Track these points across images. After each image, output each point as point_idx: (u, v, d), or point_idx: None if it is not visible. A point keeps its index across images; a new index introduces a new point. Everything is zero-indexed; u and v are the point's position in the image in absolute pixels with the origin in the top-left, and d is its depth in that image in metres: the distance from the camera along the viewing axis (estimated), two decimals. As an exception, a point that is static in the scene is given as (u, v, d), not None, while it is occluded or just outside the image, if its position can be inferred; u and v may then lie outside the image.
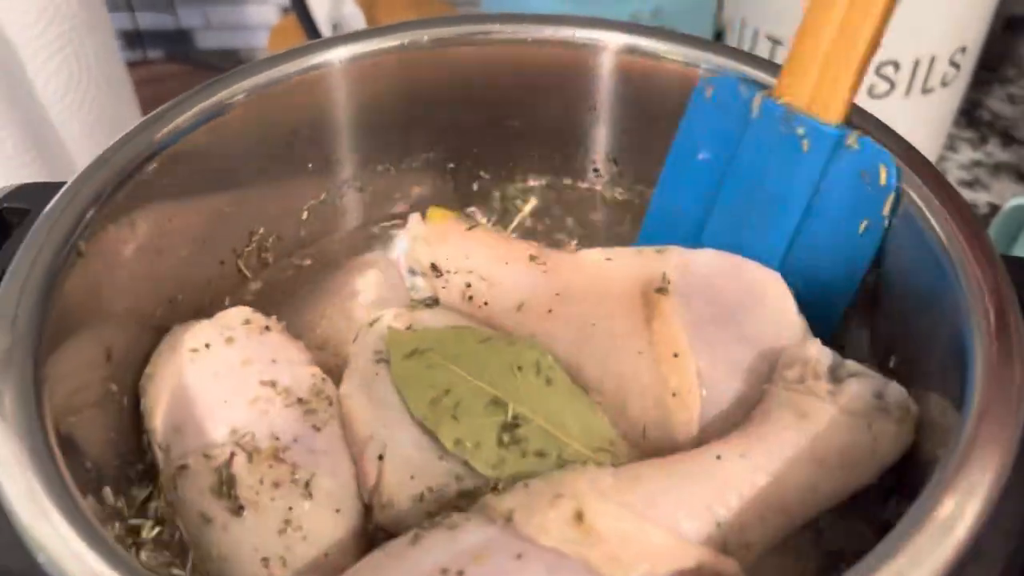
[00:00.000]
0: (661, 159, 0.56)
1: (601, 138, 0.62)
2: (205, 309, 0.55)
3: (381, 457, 0.45)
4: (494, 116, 0.62)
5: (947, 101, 0.91)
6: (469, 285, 0.52)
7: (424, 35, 0.58)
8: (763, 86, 0.49)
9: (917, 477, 0.41)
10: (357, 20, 1.08)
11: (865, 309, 0.51)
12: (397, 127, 0.61)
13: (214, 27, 1.28)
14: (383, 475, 0.45)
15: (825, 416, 0.43)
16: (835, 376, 0.44)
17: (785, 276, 0.48)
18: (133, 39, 1.26)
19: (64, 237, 0.45)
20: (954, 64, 0.86)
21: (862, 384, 0.44)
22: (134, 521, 0.46)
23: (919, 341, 0.46)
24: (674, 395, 0.45)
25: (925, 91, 0.87)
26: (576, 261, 0.52)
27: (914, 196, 0.46)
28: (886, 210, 0.47)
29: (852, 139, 0.47)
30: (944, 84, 0.87)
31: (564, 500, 0.40)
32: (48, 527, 0.36)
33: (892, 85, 0.86)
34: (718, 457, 0.42)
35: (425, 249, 0.54)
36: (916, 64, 0.84)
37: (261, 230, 0.59)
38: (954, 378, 0.40)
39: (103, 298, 0.48)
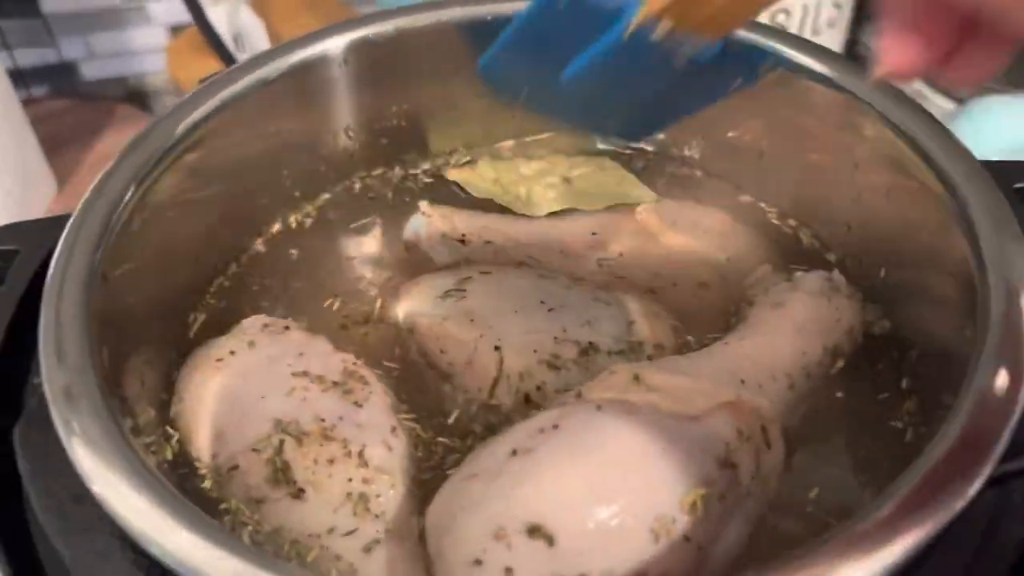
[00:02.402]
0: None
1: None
2: (221, 325, 0.57)
3: (498, 348, 0.51)
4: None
5: (834, 41, 0.99)
6: (489, 242, 0.61)
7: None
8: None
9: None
10: (256, 29, 1.08)
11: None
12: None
13: (98, 56, 1.25)
14: (506, 359, 0.51)
15: (793, 299, 0.55)
16: (788, 279, 0.57)
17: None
18: (15, 77, 1.21)
19: (88, 267, 0.46)
20: (837, 5, 0.94)
21: (811, 274, 0.57)
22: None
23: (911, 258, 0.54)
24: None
25: (815, 33, 0.95)
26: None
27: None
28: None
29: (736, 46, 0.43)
30: (830, 26, 0.95)
31: (620, 372, 0.49)
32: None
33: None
34: (725, 344, 0.53)
35: (444, 222, 0.61)
36: (805, 9, 0.92)
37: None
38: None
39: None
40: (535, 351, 0.52)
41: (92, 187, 0.49)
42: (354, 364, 0.52)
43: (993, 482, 0.37)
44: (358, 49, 0.61)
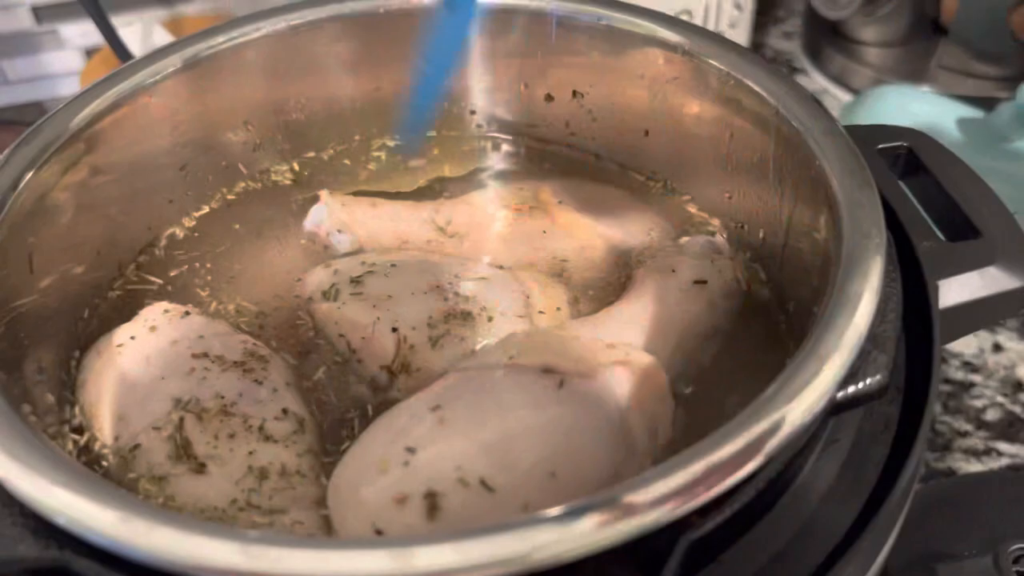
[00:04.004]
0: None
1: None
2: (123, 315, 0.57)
3: (395, 329, 0.53)
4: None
5: (738, 41, 1.03)
6: (387, 229, 0.63)
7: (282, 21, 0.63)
8: None
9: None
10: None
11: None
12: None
13: (11, 82, 1.24)
14: (404, 338, 0.53)
15: (679, 262, 0.58)
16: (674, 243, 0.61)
17: None
18: (-74, 106, 1.20)
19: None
20: (737, 6, 0.98)
21: (695, 238, 0.61)
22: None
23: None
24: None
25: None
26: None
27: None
28: None
29: None
30: (732, 26, 0.99)
31: (517, 336, 0.52)
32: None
33: (689, 32, 0.98)
34: (617, 308, 0.55)
35: (344, 210, 0.62)
36: (707, 10, 0.95)
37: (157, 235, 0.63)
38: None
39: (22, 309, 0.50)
40: (430, 326, 0.54)
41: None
42: (254, 344, 0.53)
43: (835, 409, 0.39)
44: (255, 44, 0.62)
